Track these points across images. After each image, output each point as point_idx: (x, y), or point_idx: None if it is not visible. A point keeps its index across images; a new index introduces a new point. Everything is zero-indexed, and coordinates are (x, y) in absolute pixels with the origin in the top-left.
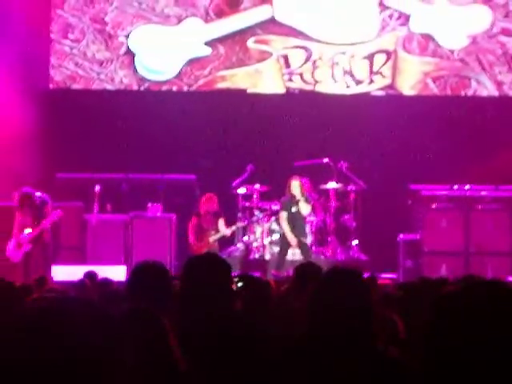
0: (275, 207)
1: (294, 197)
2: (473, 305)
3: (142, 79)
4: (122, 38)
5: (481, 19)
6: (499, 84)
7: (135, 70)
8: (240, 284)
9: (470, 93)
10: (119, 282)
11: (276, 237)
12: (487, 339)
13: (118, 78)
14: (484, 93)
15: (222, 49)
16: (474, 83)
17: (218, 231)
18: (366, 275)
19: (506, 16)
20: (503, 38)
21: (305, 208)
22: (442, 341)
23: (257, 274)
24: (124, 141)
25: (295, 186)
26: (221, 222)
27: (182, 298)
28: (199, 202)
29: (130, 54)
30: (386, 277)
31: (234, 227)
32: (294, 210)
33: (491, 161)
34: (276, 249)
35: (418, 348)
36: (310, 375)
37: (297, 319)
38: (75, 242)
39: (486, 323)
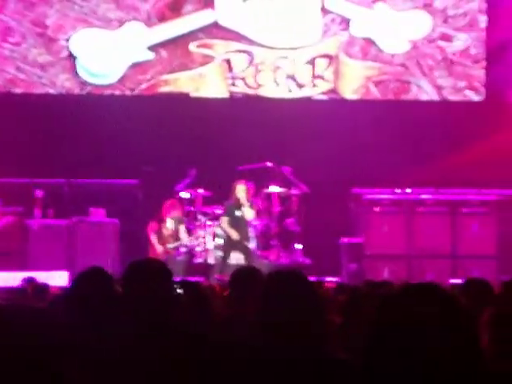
0: (219, 211)
1: (238, 201)
2: (411, 307)
3: (84, 83)
4: (63, 42)
5: (421, 24)
6: (439, 88)
7: (77, 74)
8: (180, 290)
9: (411, 97)
10: (61, 288)
11: (220, 241)
12: (425, 340)
13: (60, 82)
14: (424, 97)
15: (164, 53)
16: (414, 88)
17: (177, 238)
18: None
19: (445, 21)
20: (442, 43)
21: (249, 213)
22: (382, 342)
23: (200, 279)
24: (66, 145)
25: (240, 191)
26: (182, 229)
27: (123, 304)
28: (161, 207)
29: (71, 57)
30: (330, 280)
31: (193, 239)
32: (237, 214)
33: (432, 164)
34: (220, 253)
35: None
36: (259, 377)
37: (236, 323)
38: (15, 248)
39: (425, 325)
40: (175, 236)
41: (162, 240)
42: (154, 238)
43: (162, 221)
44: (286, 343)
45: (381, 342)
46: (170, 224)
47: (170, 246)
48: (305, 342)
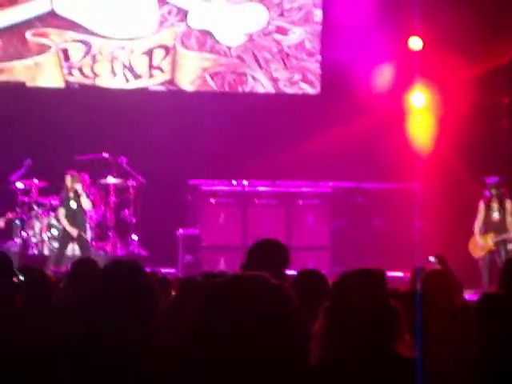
0: (54, 202)
1: (73, 192)
2: (239, 295)
3: None
4: None
5: (257, 17)
6: (275, 81)
7: None
8: (21, 277)
9: (247, 89)
10: None
11: (55, 232)
12: (251, 328)
13: None
14: (260, 89)
15: None
16: (250, 80)
17: None
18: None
19: (281, 15)
20: (278, 36)
21: (85, 203)
22: (210, 328)
23: None
24: None
25: (73, 181)
26: None
27: None
28: None
29: None
30: (166, 271)
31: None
32: (73, 204)
33: (269, 156)
34: (55, 244)
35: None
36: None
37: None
38: None
39: (251, 313)
40: None
41: None
42: None
43: None
44: (110, 333)
45: (209, 328)
46: None
47: None
48: (132, 331)
